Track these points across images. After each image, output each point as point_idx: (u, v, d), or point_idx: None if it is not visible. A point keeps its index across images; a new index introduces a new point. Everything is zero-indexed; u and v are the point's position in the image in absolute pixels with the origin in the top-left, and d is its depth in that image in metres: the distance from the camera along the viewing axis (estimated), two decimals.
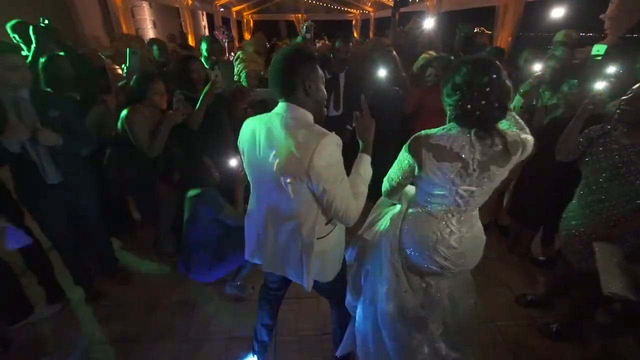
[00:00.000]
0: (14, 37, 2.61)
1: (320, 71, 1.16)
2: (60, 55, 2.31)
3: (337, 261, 1.42)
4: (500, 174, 1.18)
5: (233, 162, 1.99)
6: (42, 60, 2.18)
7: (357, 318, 1.59)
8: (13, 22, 2.60)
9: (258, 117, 1.22)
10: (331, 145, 1.07)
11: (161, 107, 2.16)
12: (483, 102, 1.06)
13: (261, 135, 1.16)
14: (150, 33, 7.27)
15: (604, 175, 1.55)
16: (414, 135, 1.21)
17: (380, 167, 1.41)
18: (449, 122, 1.19)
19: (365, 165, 1.28)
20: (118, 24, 5.55)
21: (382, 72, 2.59)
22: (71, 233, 2.02)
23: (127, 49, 2.18)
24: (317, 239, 1.24)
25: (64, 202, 1.90)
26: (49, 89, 2.12)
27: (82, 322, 2.11)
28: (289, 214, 1.22)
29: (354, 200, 1.18)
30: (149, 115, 2.11)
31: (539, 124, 2.23)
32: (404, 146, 1.23)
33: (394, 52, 2.75)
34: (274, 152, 1.11)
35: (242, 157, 1.30)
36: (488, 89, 1.05)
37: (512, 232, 2.74)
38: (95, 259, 2.36)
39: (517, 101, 2.46)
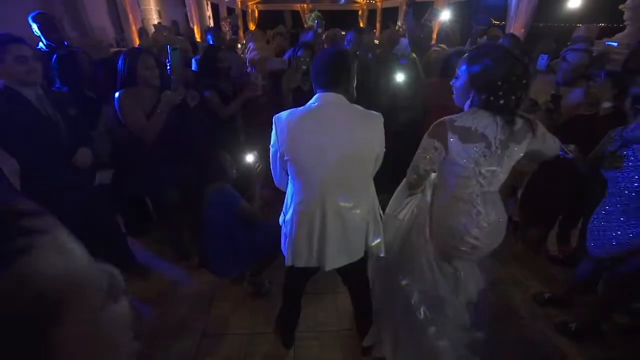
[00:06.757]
0: (34, 27, 2.55)
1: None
2: (78, 51, 2.28)
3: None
4: (518, 151, 1.26)
5: (249, 158, 1.95)
6: (56, 56, 2.13)
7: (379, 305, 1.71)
8: (35, 12, 2.55)
9: (300, 110, 1.27)
10: None
11: (152, 82, 1.98)
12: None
13: (329, 123, 1.26)
14: (155, 23, 7.18)
15: (635, 185, 1.54)
16: (436, 121, 1.27)
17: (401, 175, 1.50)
18: (471, 107, 1.25)
19: None
20: (125, 14, 5.49)
21: (400, 77, 2.45)
22: (80, 231, 2.00)
23: (168, 46, 2.09)
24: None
25: (73, 201, 1.76)
26: (64, 87, 2.08)
27: None
28: (361, 194, 1.38)
29: None
30: (145, 97, 1.97)
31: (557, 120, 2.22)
32: (427, 133, 1.30)
33: (414, 56, 2.62)
34: (362, 135, 1.28)
35: (286, 149, 1.29)
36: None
37: (521, 225, 2.72)
38: (109, 256, 2.35)
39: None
